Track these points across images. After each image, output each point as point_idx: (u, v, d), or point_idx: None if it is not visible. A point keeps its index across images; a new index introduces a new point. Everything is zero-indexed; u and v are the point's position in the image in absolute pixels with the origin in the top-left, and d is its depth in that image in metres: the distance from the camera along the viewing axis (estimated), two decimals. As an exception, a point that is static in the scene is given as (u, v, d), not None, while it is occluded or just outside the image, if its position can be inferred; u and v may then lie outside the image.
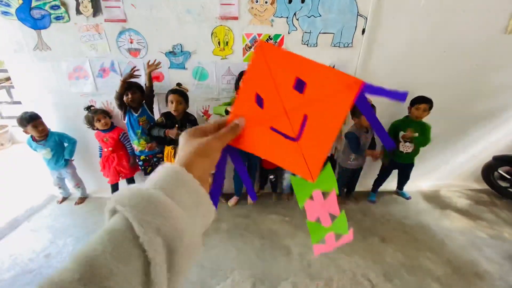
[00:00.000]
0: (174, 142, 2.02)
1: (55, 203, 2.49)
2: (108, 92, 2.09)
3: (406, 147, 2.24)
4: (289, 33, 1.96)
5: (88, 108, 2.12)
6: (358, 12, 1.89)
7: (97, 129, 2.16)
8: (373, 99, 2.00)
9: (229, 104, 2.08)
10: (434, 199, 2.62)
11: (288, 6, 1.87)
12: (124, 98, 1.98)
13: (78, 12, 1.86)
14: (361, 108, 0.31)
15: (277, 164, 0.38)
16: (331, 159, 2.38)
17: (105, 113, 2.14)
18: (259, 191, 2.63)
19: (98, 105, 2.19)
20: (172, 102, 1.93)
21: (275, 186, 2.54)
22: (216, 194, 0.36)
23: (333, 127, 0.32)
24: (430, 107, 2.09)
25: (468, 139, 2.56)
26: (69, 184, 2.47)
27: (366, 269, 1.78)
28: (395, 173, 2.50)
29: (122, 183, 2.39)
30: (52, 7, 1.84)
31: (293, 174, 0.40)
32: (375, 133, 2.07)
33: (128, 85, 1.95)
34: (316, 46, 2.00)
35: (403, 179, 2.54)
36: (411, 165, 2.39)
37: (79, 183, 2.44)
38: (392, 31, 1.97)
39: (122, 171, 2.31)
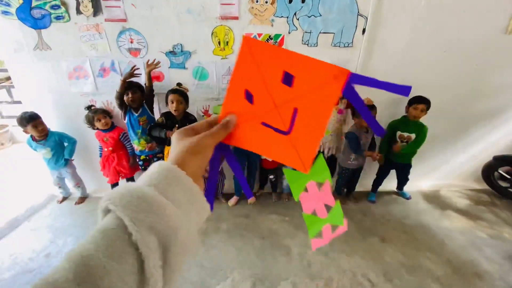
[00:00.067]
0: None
1: (55, 203, 2.49)
2: (108, 91, 2.09)
3: (403, 147, 2.24)
4: (289, 33, 1.96)
5: (89, 107, 2.12)
6: (358, 12, 1.90)
7: (97, 128, 2.16)
8: (373, 99, 2.01)
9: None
10: (434, 199, 2.62)
11: (289, 6, 1.87)
12: (125, 98, 1.98)
13: (78, 11, 1.86)
14: (349, 97, 0.31)
15: (271, 158, 0.38)
16: (331, 159, 2.38)
17: (106, 113, 2.14)
18: (259, 191, 2.63)
19: (98, 105, 2.19)
20: (172, 102, 1.93)
21: (275, 186, 2.54)
22: (211, 193, 0.36)
23: (323, 118, 0.33)
24: (428, 108, 2.09)
25: (468, 139, 2.56)
26: (69, 183, 2.47)
27: (366, 269, 1.78)
28: (395, 173, 2.50)
29: (122, 183, 2.37)
30: (52, 7, 1.84)
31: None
32: (374, 134, 2.07)
33: (129, 85, 1.95)
34: (317, 46, 2.00)
35: (402, 179, 2.53)
36: (408, 166, 2.39)
37: (79, 183, 2.44)
38: (392, 31, 1.97)
39: (122, 171, 2.32)
